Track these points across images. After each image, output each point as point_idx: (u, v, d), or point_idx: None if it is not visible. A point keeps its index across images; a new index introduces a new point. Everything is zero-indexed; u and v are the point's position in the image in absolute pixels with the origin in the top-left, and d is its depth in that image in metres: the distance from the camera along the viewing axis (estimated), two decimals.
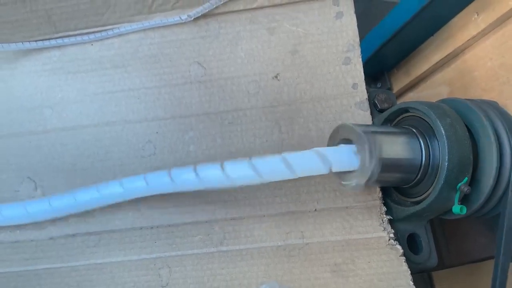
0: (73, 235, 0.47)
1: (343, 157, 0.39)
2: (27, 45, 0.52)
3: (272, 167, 0.40)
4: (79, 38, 0.52)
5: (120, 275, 0.43)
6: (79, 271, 0.44)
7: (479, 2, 0.58)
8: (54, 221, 0.48)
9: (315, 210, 0.46)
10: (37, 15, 0.51)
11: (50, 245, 0.47)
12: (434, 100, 0.48)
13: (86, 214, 0.47)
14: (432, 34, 0.67)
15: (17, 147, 0.51)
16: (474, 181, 0.41)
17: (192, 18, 0.51)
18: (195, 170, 0.40)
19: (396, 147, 0.42)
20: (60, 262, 0.46)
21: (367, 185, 0.44)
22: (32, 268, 0.46)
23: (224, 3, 0.51)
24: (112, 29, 0.52)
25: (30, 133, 0.51)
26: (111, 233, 0.47)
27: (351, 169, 0.40)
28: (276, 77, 0.50)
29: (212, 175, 0.40)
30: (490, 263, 0.43)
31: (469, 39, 0.60)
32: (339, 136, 0.42)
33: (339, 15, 0.50)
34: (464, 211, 0.41)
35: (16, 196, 0.50)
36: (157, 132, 0.50)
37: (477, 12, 0.58)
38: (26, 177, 0.50)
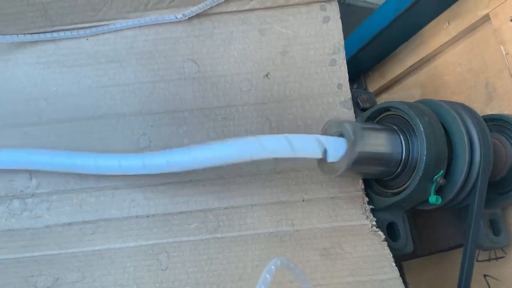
0: (69, 224, 0.49)
1: (337, 146, 0.43)
2: (22, 38, 0.53)
3: (276, 144, 0.42)
4: (74, 33, 0.53)
5: (120, 260, 0.45)
6: (78, 257, 0.46)
7: (451, 11, 0.63)
8: (49, 209, 0.49)
9: (303, 200, 0.50)
10: (34, 9, 0.52)
11: (46, 233, 0.48)
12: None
13: (81, 202, 0.49)
14: (406, 40, 0.71)
15: (11, 138, 0.51)
16: (448, 174, 0.46)
17: (187, 17, 0.53)
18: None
19: (379, 142, 0.46)
20: (58, 249, 0.47)
21: (349, 173, 0.48)
22: (30, 254, 0.47)
23: (218, 4, 0.53)
24: (107, 24, 0.54)
25: (25, 124, 0.52)
26: (108, 221, 0.49)
27: (340, 156, 0.43)
28: (267, 75, 0.53)
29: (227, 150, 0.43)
30: (457, 253, 0.47)
31: (440, 45, 0.65)
32: (329, 131, 0.46)
33: (326, 19, 0.54)
34: (439, 201, 0.45)
35: (11, 186, 0.50)
36: (151, 126, 0.52)
37: (448, 21, 0.63)
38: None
